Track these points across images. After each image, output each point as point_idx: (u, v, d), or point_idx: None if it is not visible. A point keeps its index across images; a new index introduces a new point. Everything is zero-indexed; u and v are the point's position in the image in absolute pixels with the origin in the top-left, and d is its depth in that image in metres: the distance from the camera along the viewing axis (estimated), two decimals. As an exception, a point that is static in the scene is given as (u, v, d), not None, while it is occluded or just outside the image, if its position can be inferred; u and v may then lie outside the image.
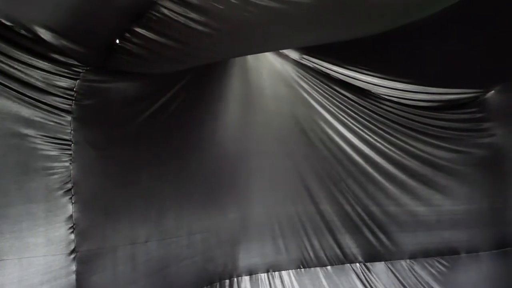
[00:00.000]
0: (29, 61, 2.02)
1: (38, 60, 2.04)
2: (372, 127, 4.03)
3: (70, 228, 2.24)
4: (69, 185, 2.25)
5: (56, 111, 2.19)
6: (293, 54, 3.71)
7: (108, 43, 2.00)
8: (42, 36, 1.88)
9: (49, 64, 2.08)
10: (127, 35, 1.93)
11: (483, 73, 3.83)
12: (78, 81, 2.21)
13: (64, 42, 1.94)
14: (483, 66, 3.63)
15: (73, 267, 2.24)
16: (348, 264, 3.92)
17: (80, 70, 2.18)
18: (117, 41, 1.98)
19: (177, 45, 2.03)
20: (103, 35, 1.95)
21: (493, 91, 4.31)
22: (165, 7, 1.74)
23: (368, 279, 3.91)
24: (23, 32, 1.89)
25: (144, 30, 1.90)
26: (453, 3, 2.15)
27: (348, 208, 3.94)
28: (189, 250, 3.04)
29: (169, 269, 2.88)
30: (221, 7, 1.72)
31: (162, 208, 2.89)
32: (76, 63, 2.13)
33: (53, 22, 1.82)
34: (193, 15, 1.77)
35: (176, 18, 1.80)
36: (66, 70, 2.14)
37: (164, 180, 2.90)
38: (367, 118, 4.01)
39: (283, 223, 3.70)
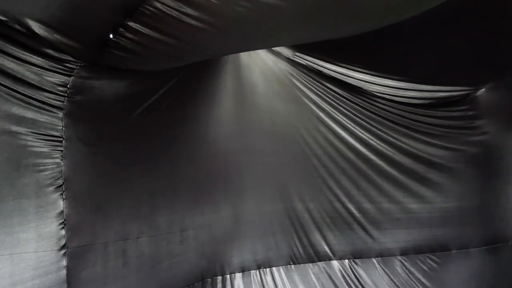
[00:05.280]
0: (23, 57, 2.01)
1: (31, 56, 2.03)
2: (365, 124, 4.05)
3: (61, 224, 2.25)
4: (60, 181, 2.25)
5: (47, 108, 2.18)
6: (286, 52, 3.70)
7: (102, 38, 1.99)
8: (36, 30, 1.87)
9: (43, 60, 2.07)
10: (121, 29, 1.93)
11: (473, 71, 3.86)
12: (72, 77, 2.20)
13: (57, 37, 1.93)
14: (474, 64, 3.65)
15: (64, 263, 2.25)
16: (338, 260, 3.94)
17: (74, 66, 2.17)
18: (111, 35, 1.96)
19: (170, 40, 2.02)
20: (96, 29, 1.94)
21: (484, 89, 4.34)
22: (159, 1, 1.74)
23: (358, 275, 3.92)
24: (17, 27, 1.87)
25: (137, 25, 1.90)
26: (443, 1, 2.16)
27: (338, 205, 3.95)
28: (181, 247, 3.04)
29: (160, 265, 2.88)
30: (214, 1, 1.72)
31: (154, 205, 2.88)
32: (70, 58, 2.12)
33: (46, 16, 1.81)
34: (187, 9, 1.77)
35: (169, 13, 1.79)
36: (59, 66, 2.13)
37: (156, 177, 2.89)
38: (360, 115, 4.03)
39: (274, 220, 3.70)
